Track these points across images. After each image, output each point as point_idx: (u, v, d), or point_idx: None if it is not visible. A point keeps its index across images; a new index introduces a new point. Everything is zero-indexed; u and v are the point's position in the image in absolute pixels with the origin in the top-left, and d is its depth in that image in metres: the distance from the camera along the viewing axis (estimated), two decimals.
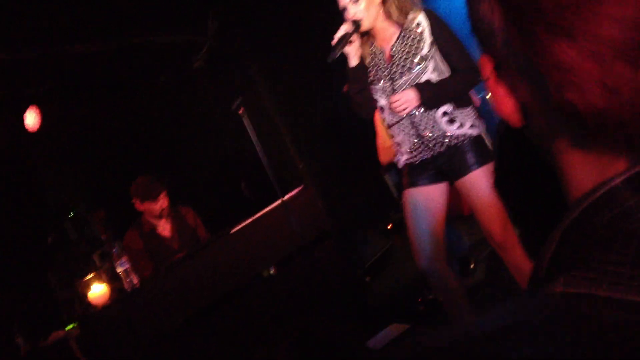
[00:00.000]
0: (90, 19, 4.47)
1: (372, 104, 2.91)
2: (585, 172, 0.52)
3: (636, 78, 0.43)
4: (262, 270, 4.02)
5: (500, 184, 0.70)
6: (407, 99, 2.71)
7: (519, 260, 2.78)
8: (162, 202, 4.19)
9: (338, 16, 2.77)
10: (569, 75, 0.46)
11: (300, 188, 4.32)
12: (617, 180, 0.48)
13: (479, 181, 2.78)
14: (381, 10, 2.75)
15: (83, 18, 4.39)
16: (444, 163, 2.83)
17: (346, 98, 2.96)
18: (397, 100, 2.72)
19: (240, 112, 3.70)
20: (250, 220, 3.98)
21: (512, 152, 0.65)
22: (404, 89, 2.75)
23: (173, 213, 4.35)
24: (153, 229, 4.25)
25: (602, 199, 0.48)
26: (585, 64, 0.44)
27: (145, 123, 5.79)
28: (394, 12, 2.74)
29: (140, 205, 4.20)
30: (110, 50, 4.93)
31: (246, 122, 3.73)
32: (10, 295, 4.24)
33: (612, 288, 0.43)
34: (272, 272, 4.10)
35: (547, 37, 0.46)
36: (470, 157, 2.77)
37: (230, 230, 3.88)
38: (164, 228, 4.29)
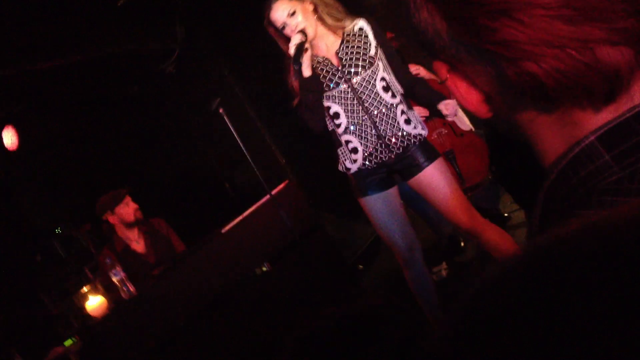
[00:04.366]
0: (57, 34, 4.42)
1: (323, 115, 2.90)
2: (555, 135, 0.54)
3: (577, 32, 0.46)
4: (256, 267, 4.02)
5: (496, 167, 0.72)
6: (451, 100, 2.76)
7: (492, 240, 2.83)
8: (132, 204, 4.11)
9: None
10: (519, 47, 0.48)
11: (285, 183, 4.32)
12: (592, 138, 0.50)
13: (433, 176, 2.85)
14: (315, 18, 2.78)
15: (49, 33, 4.34)
16: (397, 163, 2.88)
17: (296, 112, 2.92)
18: (449, 104, 2.75)
19: (221, 111, 3.69)
20: (240, 218, 3.97)
21: (504, 139, 0.67)
22: (363, 86, 2.78)
23: (145, 227, 4.25)
24: (127, 246, 4.14)
25: (576, 158, 0.51)
26: (529, 33, 0.47)
27: (124, 134, 5.74)
28: (327, 19, 2.78)
29: (113, 218, 4.10)
30: (80, 63, 4.88)
31: (227, 120, 3.73)
32: (4, 317, 4.18)
33: None
34: (265, 269, 4.09)
35: (488, 21, 0.48)
36: (420, 156, 2.85)
37: (221, 230, 3.87)
38: (138, 243, 4.19)
